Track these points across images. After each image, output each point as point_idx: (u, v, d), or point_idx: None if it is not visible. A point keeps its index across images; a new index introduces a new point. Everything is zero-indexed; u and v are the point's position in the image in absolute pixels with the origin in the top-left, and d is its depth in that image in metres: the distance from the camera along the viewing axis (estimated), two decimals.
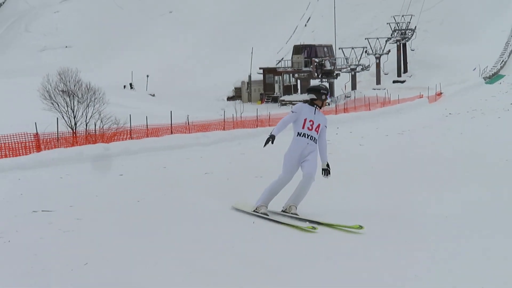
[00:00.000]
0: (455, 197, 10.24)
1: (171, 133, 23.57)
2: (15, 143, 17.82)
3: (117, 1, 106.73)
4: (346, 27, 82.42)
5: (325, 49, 68.39)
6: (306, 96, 9.29)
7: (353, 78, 69.17)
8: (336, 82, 66.62)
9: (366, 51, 70.92)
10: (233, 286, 5.87)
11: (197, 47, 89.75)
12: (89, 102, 26.11)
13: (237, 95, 68.50)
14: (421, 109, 40.22)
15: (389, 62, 74.10)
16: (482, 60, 68.74)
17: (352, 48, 68.88)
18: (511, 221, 8.47)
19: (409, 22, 76.87)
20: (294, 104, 54.96)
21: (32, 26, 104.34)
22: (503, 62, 69.61)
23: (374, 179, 12.92)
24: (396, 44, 75.34)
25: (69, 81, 27.42)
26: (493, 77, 64.41)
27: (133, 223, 8.77)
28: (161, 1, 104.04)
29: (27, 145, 18.05)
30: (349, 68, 68.51)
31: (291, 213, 8.98)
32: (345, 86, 67.03)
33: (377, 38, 73.08)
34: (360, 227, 8.03)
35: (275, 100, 65.00)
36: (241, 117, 32.70)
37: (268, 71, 68.32)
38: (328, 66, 65.01)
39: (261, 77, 68.79)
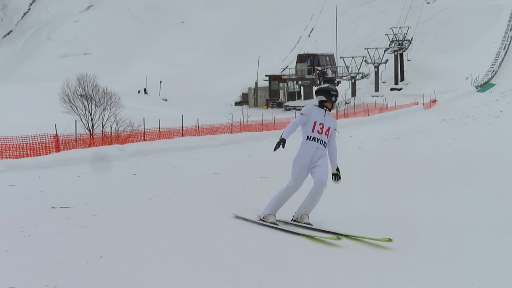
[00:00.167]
0: (450, 199, 10.19)
1: (182, 135, 23.61)
2: (36, 144, 17.87)
3: (133, 11, 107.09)
4: (347, 37, 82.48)
5: (327, 58, 68.46)
6: (315, 98, 8.37)
7: (353, 86, 69.24)
8: (338, 89, 66.51)
9: (365, 60, 70.94)
10: (238, 280, 5.84)
11: (207, 55, 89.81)
12: (106, 105, 26.19)
13: (244, 100, 68.54)
14: (416, 115, 40.15)
15: (387, 71, 74.11)
16: (474, 70, 68.68)
17: (353, 57, 68.92)
18: (502, 222, 8.43)
19: (406, 34, 76.85)
20: (298, 109, 55.43)
21: (54, 35, 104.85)
22: (494, 72, 69.44)
23: (371, 181, 12.87)
24: (393, 54, 75.30)
25: (87, 86, 27.51)
26: (485, 86, 64.27)
27: (145, 220, 8.76)
28: (174, 12, 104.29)
29: (47, 145, 18.11)
30: (349, 76, 68.56)
31: (304, 223, 8.14)
32: (346, 93, 66.92)
33: (376, 48, 73.08)
34: (390, 240, 7.05)
35: (279, 105, 65.08)
36: (247, 121, 32.72)
37: (273, 78, 68.36)
38: (329, 74, 65.09)
39: (267, 83, 68.81)
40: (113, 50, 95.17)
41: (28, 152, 17.26)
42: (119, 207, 9.84)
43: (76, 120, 22.80)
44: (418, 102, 49.11)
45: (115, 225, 8.39)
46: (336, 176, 8.25)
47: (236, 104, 67.90)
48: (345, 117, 37.39)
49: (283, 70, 72.90)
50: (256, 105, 66.17)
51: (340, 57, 69.46)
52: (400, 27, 78.02)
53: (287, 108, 61.42)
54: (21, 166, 14.64)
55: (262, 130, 28.66)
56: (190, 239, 7.53)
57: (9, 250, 6.86)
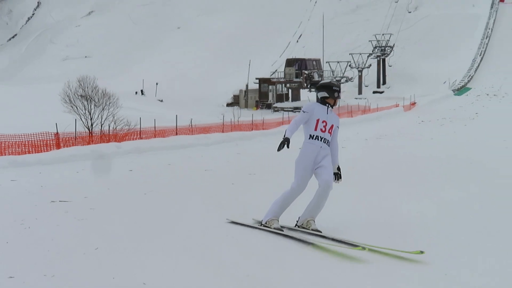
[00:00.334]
0: (430, 196, 10.20)
1: (176, 134, 23.61)
2: (37, 141, 17.82)
3: (131, 17, 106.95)
4: (333, 43, 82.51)
5: (314, 62, 68.60)
6: (317, 95, 7.51)
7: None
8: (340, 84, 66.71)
9: (350, 65, 71.03)
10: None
11: (202, 59, 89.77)
12: (104, 106, 26.10)
13: (235, 102, 68.60)
14: (397, 117, 40.30)
15: (370, 75, 74.31)
16: (451, 75, 68.95)
17: (338, 62, 68.99)
18: (479, 217, 8.46)
19: (388, 40, 77.00)
20: (285, 111, 55.54)
21: (56, 38, 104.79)
22: (470, 77, 69.73)
23: (354, 179, 12.89)
24: (376, 59, 75.42)
25: (87, 87, 27.39)
26: (461, 90, 64.53)
27: (140, 213, 8.78)
28: (170, 18, 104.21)
29: (48, 143, 18.06)
30: (334, 80, 68.59)
31: (311, 229, 7.21)
32: None
33: (360, 54, 73.18)
34: (421, 252, 6.07)
35: (268, 106, 65.07)
36: (238, 121, 32.71)
37: (263, 81, 68.39)
38: (316, 77, 65.11)
39: (257, 86, 68.83)
40: (112, 54, 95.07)
41: (30, 149, 17.20)
42: (116, 202, 9.85)
43: (76, 119, 22.72)
44: (398, 104, 49.24)
45: (111, 219, 8.40)
46: (337, 175, 7.47)
47: (228, 105, 67.91)
48: None
49: (273, 74, 72.89)
50: (246, 106, 66.26)
51: (326, 62, 69.54)
52: (383, 34, 78.19)
53: (276, 109, 61.45)
54: (23, 162, 14.60)
55: (252, 129, 28.69)
56: (183, 232, 7.54)
57: (9, 242, 6.86)
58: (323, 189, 7.13)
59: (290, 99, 67.00)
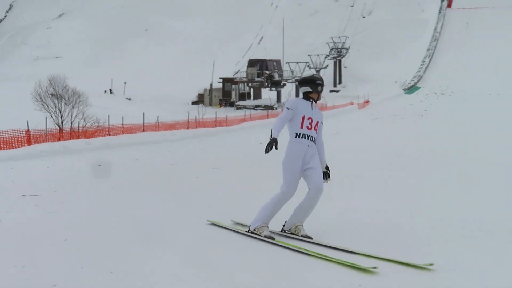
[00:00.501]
0: (384, 190, 10.32)
1: (143, 131, 23.42)
2: (9, 138, 17.53)
3: (101, 20, 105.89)
4: (292, 45, 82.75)
5: (275, 63, 68.73)
6: (300, 90, 6.72)
7: (297, 88, 69.45)
8: (283, 90, 66.97)
9: (308, 66, 71.32)
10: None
11: (168, 60, 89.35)
12: (74, 104, 25.81)
13: (200, 100, 68.28)
14: (352, 114, 40.66)
15: (327, 75, 74.71)
16: (402, 75, 69.92)
17: (297, 62, 69.17)
18: (427, 207, 8.58)
19: (344, 43, 77.63)
20: (248, 108, 55.53)
21: (28, 39, 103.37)
22: (420, 77, 70.77)
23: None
24: (333, 60, 76.03)
25: (57, 86, 27.05)
26: (411, 89, 65.38)
27: (108, 206, 8.71)
28: (138, 21, 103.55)
29: (20, 139, 17.76)
30: (294, 79, 68.82)
31: (301, 236, 6.46)
32: (290, 94, 67.36)
33: (318, 55, 73.60)
34: (431, 264, 5.39)
35: (231, 104, 65.00)
36: (203, 118, 32.60)
37: (226, 81, 68.32)
38: (276, 77, 65.24)
39: (220, 85, 68.69)
40: (82, 54, 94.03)
41: (2, 145, 16.91)
42: (84, 195, 9.74)
43: (46, 117, 22.41)
44: (353, 102, 49.63)
45: (80, 211, 8.31)
46: (326, 175, 6.70)
47: (193, 103, 67.60)
48: None
49: (235, 74, 72.95)
50: (211, 104, 66.05)
51: (286, 62, 69.70)
52: (339, 37, 78.80)
53: (238, 107, 61.44)
54: None
55: (216, 126, 28.63)
56: (147, 220, 7.52)
57: None
58: (314, 193, 6.37)
59: (252, 97, 67.10)
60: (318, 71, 72.10)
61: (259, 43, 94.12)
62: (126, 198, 9.45)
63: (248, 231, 6.71)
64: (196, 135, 23.14)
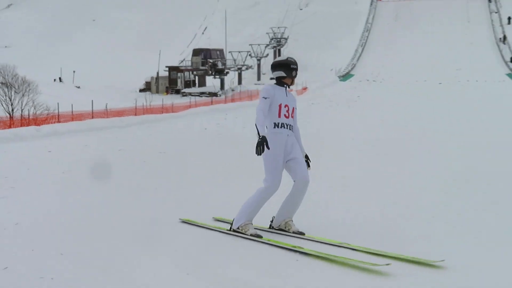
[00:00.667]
0: (325, 172, 10.44)
1: (92, 117, 23.01)
2: None
3: (49, 10, 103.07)
4: (234, 35, 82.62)
5: (218, 52, 68.56)
6: (272, 74, 5.93)
7: (239, 76, 69.59)
8: (226, 78, 66.91)
9: (250, 55, 71.49)
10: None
11: (116, 49, 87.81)
12: (24, 92, 25.19)
13: (147, 88, 67.63)
14: None
15: (267, 63, 74.95)
16: (337, 63, 70.69)
17: (239, 52, 69.21)
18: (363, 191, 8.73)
19: (283, 33, 78.01)
20: (193, 95, 55.19)
21: None
22: (353, 65, 71.75)
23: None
24: (273, 49, 76.35)
25: (7, 75, 26.34)
26: (345, 76, 66.20)
27: (58, 191, 8.59)
28: (86, 11, 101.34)
29: None
30: (236, 68, 68.85)
31: (293, 232, 5.75)
32: (232, 81, 67.37)
33: (259, 45, 73.74)
34: (442, 261, 4.74)
35: (177, 92, 64.68)
36: (150, 105, 32.28)
37: (172, 69, 67.84)
38: (220, 65, 65.18)
39: (167, 73, 68.16)
40: (31, 44, 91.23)
41: None
42: (35, 181, 9.54)
43: None
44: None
45: (31, 196, 8.13)
46: (306, 164, 5.87)
47: (141, 91, 66.85)
48: (232, 102, 37.57)
49: (181, 62, 72.51)
50: (157, 92, 65.50)
51: (229, 52, 69.62)
52: (278, 28, 79.11)
53: (184, 94, 61.14)
54: None
55: (162, 113, 28.38)
56: (95, 205, 7.42)
57: None
58: (301, 186, 5.68)
59: (197, 85, 66.90)
60: (259, 60, 72.36)
61: (203, 33, 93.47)
62: (76, 182, 9.30)
63: (230, 230, 5.86)
64: (144, 121, 22.85)
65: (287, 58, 5.89)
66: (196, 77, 67.60)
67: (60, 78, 69.83)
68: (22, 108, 24.63)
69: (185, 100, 43.97)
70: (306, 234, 5.70)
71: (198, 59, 65.65)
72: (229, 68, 67.62)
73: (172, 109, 30.35)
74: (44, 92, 28.65)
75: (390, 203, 7.48)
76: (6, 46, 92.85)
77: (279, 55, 76.39)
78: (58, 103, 23.10)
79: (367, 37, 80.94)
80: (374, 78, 62.66)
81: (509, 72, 62.28)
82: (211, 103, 35.84)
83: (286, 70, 5.80)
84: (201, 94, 58.79)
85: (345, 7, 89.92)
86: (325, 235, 5.70)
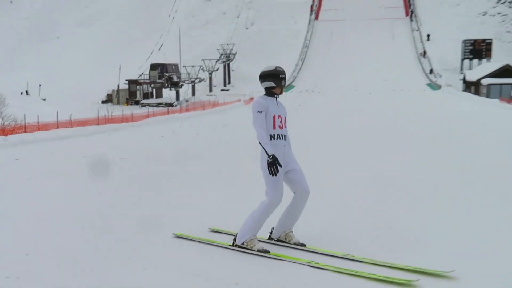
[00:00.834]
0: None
1: (57, 127, 22.40)
2: None
3: (15, 29, 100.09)
4: (188, 51, 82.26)
5: (173, 67, 68.08)
6: (261, 85, 5.36)
7: (193, 88, 69.24)
8: (181, 90, 66.44)
9: (202, 69, 71.23)
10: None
11: (80, 64, 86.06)
12: None
13: (109, 99, 66.53)
14: (239, 109, 40.88)
15: (218, 77, 75.05)
16: None
17: (192, 66, 68.91)
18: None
19: (232, 49, 78.02)
20: (151, 106, 54.50)
21: None
22: (294, 77, 72.31)
23: (212, 159, 12.95)
24: (222, 64, 76.23)
25: None
26: (288, 87, 66.55)
27: (24, 197, 8.29)
28: (50, 29, 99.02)
29: None
30: (190, 81, 68.47)
31: (294, 244, 5.24)
32: (186, 93, 67.00)
33: (210, 60, 73.58)
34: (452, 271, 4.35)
35: (137, 103, 63.87)
36: (111, 115, 31.68)
37: (132, 82, 66.99)
38: (175, 79, 64.70)
39: (127, 86, 67.22)
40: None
41: None
42: (2, 187, 9.20)
43: None
44: (240, 99, 49.99)
45: None
46: None
47: (103, 102, 65.68)
48: (187, 111, 37.27)
49: (140, 76, 71.60)
50: (118, 103, 64.54)
51: (183, 66, 69.22)
52: (227, 44, 79.07)
53: (143, 105, 60.41)
54: None
55: (123, 122, 27.87)
56: (63, 210, 7.20)
57: None
58: (302, 197, 5.17)
59: (154, 96, 66.34)
60: (210, 73, 72.12)
61: (159, 50, 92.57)
62: (40, 188, 9.01)
63: (234, 245, 5.22)
64: (106, 130, 22.40)
65: (276, 68, 5.32)
66: (154, 89, 66.95)
67: (26, 91, 67.92)
68: None
69: (144, 110, 43.36)
70: (307, 246, 5.18)
71: (155, 73, 65.03)
72: (183, 81, 67.18)
73: (132, 118, 29.83)
74: (11, 104, 27.83)
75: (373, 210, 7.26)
76: None
77: (229, 69, 76.41)
78: (24, 115, 22.40)
79: (306, 52, 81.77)
80: (312, 89, 63.34)
81: (429, 82, 64.05)
82: (168, 112, 35.45)
83: (275, 80, 5.27)
84: (159, 104, 58.18)
85: (286, 26, 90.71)
86: (320, 245, 5.20)
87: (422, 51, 76.94)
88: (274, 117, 5.15)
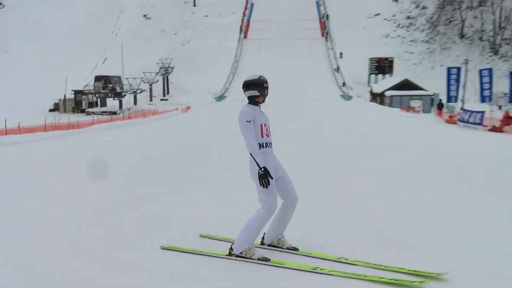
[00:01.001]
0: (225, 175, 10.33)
1: (6, 134, 21.25)
2: None
3: None
4: (130, 65, 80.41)
5: (116, 78, 66.45)
6: (245, 93, 4.96)
7: (135, 97, 67.74)
8: (124, 100, 64.89)
9: (143, 80, 69.85)
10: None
11: (28, 76, 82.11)
12: None
13: (56, 108, 63.93)
14: (177, 117, 40.45)
15: (158, 88, 73.92)
16: (214, 87, 71.06)
17: (134, 78, 67.46)
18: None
19: (170, 63, 77.05)
20: (96, 114, 52.91)
21: None
22: (226, 88, 72.43)
23: (148, 167, 12.69)
24: (162, 76, 75.13)
25: None
26: (220, 97, 66.67)
27: None
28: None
29: None
30: (132, 91, 66.98)
31: (287, 248, 4.90)
32: (129, 102, 65.54)
33: (150, 72, 72.30)
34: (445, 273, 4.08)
35: (82, 111, 61.80)
36: (58, 122, 30.43)
37: (77, 92, 64.73)
38: (118, 89, 63.12)
39: (73, 96, 64.95)
40: None
41: None
42: None
43: None
44: (178, 108, 49.43)
45: None
46: None
47: (50, 110, 63.01)
48: (129, 119, 36.41)
49: (85, 87, 69.31)
50: (65, 111, 62.16)
51: (126, 78, 67.60)
52: (166, 59, 78.02)
53: (88, 113, 58.54)
54: None
55: (69, 129, 26.85)
56: (9, 210, 6.82)
57: None
58: (292, 204, 4.80)
59: (99, 105, 64.48)
60: (151, 85, 70.89)
61: (103, 63, 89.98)
62: None
63: (231, 255, 4.72)
64: (53, 137, 21.50)
65: (260, 77, 4.91)
66: (98, 99, 64.99)
67: None
68: None
69: (89, 118, 41.97)
70: (299, 250, 4.81)
71: (100, 84, 63.23)
72: (126, 91, 65.61)
73: (77, 125, 28.80)
74: None
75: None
76: None
77: (167, 81, 75.40)
78: None
79: (236, 67, 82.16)
80: (242, 99, 63.41)
81: (342, 93, 65.96)
82: (111, 120, 34.49)
83: (259, 89, 4.84)
84: (103, 113, 56.48)
85: (218, 43, 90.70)
86: (310, 249, 4.83)
87: (336, 66, 79.19)
88: (261, 125, 4.72)
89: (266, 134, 4.74)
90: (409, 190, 8.02)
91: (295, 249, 4.86)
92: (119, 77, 67.35)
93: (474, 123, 23.79)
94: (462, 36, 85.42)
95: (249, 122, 4.63)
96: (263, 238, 5.04)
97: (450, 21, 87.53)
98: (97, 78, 65.18)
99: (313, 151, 13.90)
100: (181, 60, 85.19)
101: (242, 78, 67.87)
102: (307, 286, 3.98)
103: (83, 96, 64.41)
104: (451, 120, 28.49)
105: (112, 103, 63.51)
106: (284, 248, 4.89)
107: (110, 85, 62.38)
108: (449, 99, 34.21)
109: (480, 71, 30.74)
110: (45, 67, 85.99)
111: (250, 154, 4.57)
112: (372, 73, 74.77)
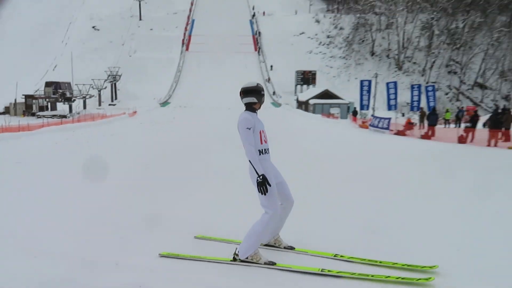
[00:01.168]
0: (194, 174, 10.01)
1: None
2: None
3: None
4: (80, 72, 76.91)
5: (66, 84, 63.49)
6: (242, 100, 4.54)
7: (84, 102, 65.02)
8: (73, 104, 62.13)
9: (92, 87, 67.20)
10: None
11: None
12: None
13: (6, 111, 60.13)
14: (124, 121, 39.17)
15: (106, 94, 71.40)
16: (158, 94, 69.73)
17: (83, 84, 64.77)
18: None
19: (117, 71, 74.71)
20: (46, 117, 50.19)
21: None
22: (170, 95, 71.31)
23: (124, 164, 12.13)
24: (110, 83, 72.69)
25: None
26: (164, 103, 65.43)
27: None
28: None
29: None
30: (81, 96, 64.24)
31: (284, 247, 4.66)
32: (78, 106, 62.85)
33: (99, 79, 69.72)
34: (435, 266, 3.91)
35: (33, 115, 58.45)
36: (8, 125, 28.54)
37: (28, 97, 61.19)
38: (68, 94, 60.27)
39: (23, 100, 61.34)
40: None
41: None
42: None
43: None
44: (125, 112, 47.92)
45: None
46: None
47: (0, 114, 59.18)
48: (78, 122, 34.80)
49: (35, 92, 65.53)
50: (15, 114, 58.57)
51: (75, 84, 64.75)
52: (114, 67, 75.56)
53: (38, 116, 55.37)
54: None
55: (19, 131, 25.21)
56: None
57: None
58: (288, 206, 4.55)
59: (49, 109, 61.33)
60: (99, 91, 68.35)
61: (53, 70, 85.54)
62: None
63: (235, 260, 4.34)
64: (2, 138, 20.09)
65: (257, 85, 4.51)
66: (49, 103, 61.70)
67: None
68: None
69: (39, 121, 39.70)
70: (296, 248, 4.52)
71: (50, 89, 60.00)
72: (75, 97, 62.79)
73: (28, 128, 27.12)
74: None
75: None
76: None
77: (115, 87, 73.00)
78: None
79: (179, 76, 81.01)
80: (185, 105, 62.91)
81: (273, 101, 66.84)
82: (61, 123, 32.79)
83: (257, 96, 4.46)
84: (53, 116, 53.62)
85: (163, 54, 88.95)
86: (305, 247, 4.51)
87: (267, 77, 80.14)
88: (260, 132, 4.38)
89: (264, 140, 4.44)
90: (325, 182, 8.17)
91: (291, 247, 4.62)
92: (69, 83, 64.39)
93: (382, 128, 24.85)
94: (372, 53, 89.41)
95: (249, 129, 4.30)
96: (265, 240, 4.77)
97: (363, 41, 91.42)
98: (48, 84, 61.86)
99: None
100: (128, 69, 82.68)
101: (184, 86, 67.56)
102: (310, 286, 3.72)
103: (34, 100, 61.00)
104: (363, 125, 29.61)
105: (62, 107, 60.55)
106: (281, 247, 4.65)
107: (60, 91, 59.48)
108: (362, 107, 35.46)
109: (387, 83, 32.08)
110: None
111: (249, 161, 4.23)
112: (298, 84, 76.38)
